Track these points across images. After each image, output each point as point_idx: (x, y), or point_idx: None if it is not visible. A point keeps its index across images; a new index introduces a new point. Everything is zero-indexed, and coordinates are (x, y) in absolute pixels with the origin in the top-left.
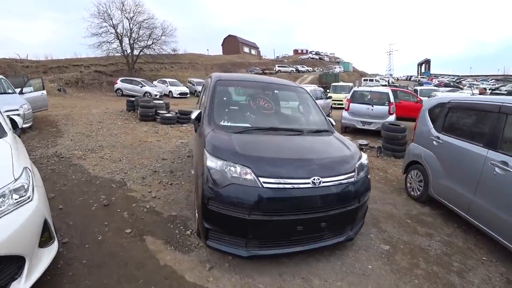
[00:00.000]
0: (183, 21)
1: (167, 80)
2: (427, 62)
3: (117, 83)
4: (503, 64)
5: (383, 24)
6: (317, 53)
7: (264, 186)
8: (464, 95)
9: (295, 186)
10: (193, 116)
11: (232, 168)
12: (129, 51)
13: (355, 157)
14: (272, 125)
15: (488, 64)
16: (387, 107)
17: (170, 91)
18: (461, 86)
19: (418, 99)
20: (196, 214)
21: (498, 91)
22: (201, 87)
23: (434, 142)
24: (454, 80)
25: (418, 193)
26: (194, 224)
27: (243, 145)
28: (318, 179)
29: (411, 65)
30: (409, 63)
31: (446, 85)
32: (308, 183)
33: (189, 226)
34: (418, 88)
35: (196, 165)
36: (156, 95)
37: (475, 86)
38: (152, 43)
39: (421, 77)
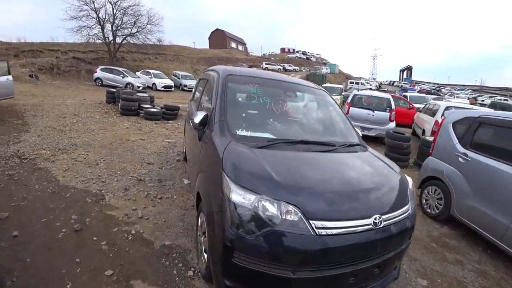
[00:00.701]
0: (169, 11)
1: (151, 71)
2: (409, 69)
3: (96, 71)
4: (479, 76)
5: (369, 29)
6: (304, 53)
7: (318, 232)
8: (492, 110)
9: (356, 229)
10: (197, 119)
11: (271, 206)
12: (111, 38)
13: (405, 182)
14: (301, 137)
15: (465, 75)
16: (388, 113)
17: (154, 83)
18: (441, 94)
19: (411, 105)
20: (204, 254)
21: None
22: (196, 82)
23: (460, 159)
24: (434, 87)
25: (437, 211)
26: (197, 259)
27: (278, 168)
28: (380, 217)
29: (394, 71)
30: (391, 69)
31: (428, 92)
32: (369, 224)
33: (190, 263)
34: (408, 94)
35: (205, 188)
36: (139, 87)
37: (455, 94)
38: (137, 32)
39: (403, 83)
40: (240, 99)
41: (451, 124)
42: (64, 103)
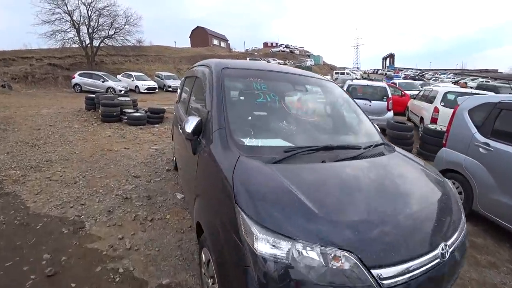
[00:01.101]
0: (147, 11)
1: (133, 74)
2: (391, 56)
3: (74, 77)
4: (459, 59)
5: (350, 18)
6: (287, 46)
7: (383, 284)
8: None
9: (424, 268)
10: (189, 127)
11: (314, 255)
12: (88, 41)
13: (453, 189)
14: (323, 141)
15: (445, 59)
16: (385, 102)
17: (136, 86)
18: (425, 79)
19: (403, 92)
20: None
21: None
22: (181, 81)
23: (481, 150)
24: (417, 73)
25: None
26: None
27: (313, 194)
28: (445, 246)
29: (376, 59)
30: (374, 57)
31: (412, 78)
32: (436, 257)
33: None
34: (397, 81)
35: (208, 222)
36: (121, 91)
37: (439, 79)
38: (114, 33)
39: (387, 71)
40: (242, 98)
41: (466, 112)
42: (39, 113)
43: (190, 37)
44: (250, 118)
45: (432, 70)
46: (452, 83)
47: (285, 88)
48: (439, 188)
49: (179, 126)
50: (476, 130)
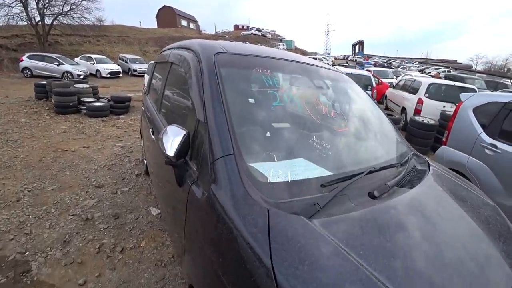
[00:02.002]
0: None
1: (93, 56)
2: (360, 43)
3: (22, 60)
4: (424, 49)
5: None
6: (258, 30)
7: None
8: None
9: None
10: (170, 148)
11: None
12: (38, 19)
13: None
14: (362, 160)
15: (410, 48)
16: (370, 92)
17: (97, 70)
18: (392, 67)
19: (380, 80)
20: None
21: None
22: (150, 66)
23: (487, 151)
24: (385, 61)
25: None
26: None
27: (394, 275)
28: None
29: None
30: (344, 43)
31: (381, 66)
32: None
33: None
34: (371, 69)
35: None
36: (79, 76)
37: (407, 67)
38: (70, 10)
39: (357, 57)
40: (251, 100)
41: (471, 110)
42: None
43: (156, 17)
44: (268, 134)
45: (399, 58)
46: (419, 71)
47: (304, 84)
48: (496, 217)
49: (151, 130)
50: (482, 130)
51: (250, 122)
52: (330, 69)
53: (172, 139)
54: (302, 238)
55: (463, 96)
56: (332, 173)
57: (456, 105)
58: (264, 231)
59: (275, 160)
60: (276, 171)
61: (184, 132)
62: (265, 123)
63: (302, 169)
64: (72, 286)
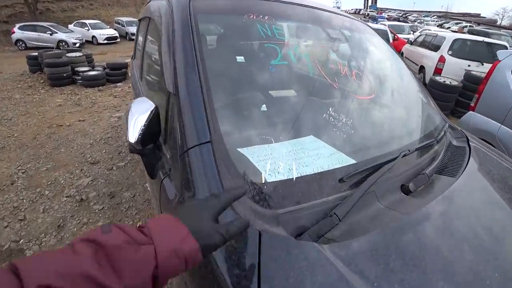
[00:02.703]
0: None
1: (87, 22)
2: None
3: (14, 31)
4: (445, 1)
5: None
6: None
7: None
8: None
9: None
10: (132, 133)
11: None
12: None
13: None
14: (393, 141)
15: (429, 0)
16: None
17: (93, 37)
18: (408, 21)
19: (396, 36)
20: None
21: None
22: (137, 24)
23: None
24: (401, 15)
25: None
26: None
27: None
28: None
29: None
30: None
31: (395, 20)
32: None
33: None
34: (386, 23)
35: None
36: (75, 44)
37: (424, 22)
38: None
39: (370, 11)
40: (240, 58)
41: (510, 71)
42: None
43: None
44: (263, 107)
45: (415, 11)
46: (437, 26)
47: (315, 36)
48: None
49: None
50: None
51: (237, 91)
52: (349, 18)
53: (136, 118)
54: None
55: (501, 54)
56: (354, 161)
57: (482, 64)
58: (253, 274)
59: (273, 144)
60: (275, 164)
61: (151, 108)
62: (259, 91)
63: (313, 155)
64: None
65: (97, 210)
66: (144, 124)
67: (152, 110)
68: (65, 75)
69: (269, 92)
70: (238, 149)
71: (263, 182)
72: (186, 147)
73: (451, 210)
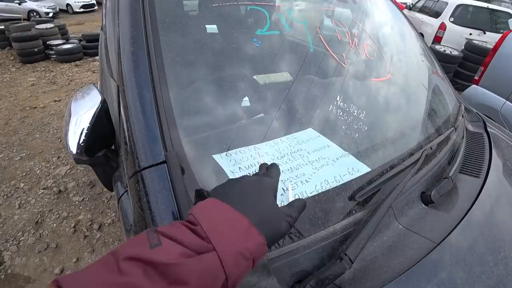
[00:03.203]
0: None
1: None
2: None
3: None
4: None
5: None
6: None
7: None
8: None
9: None
10: (72, 138)
11: None
12: None
13: None
14: (411, 135)
15: None
16: None
17: (68, 5)
18: None
19: (394, 1)
20: None
21: None
22: None
23: None
24: None
25: None
26: None
27: None
28: None
29: None
30: None
31: None
32: None
33: None
34: None
35: None
36: (48, 14)
37: None
38: None
39: None
40: (211, 28)
41: None
42: None
43: None
44: (245, 100)
45: None
46: None
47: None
48: None
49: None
50: None
51: (207, 77)
52: None
53: (77, 118)
54: None
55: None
56: (368, 169)
57: (485, 33)
58: None
59: (262, 145)
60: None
61: (98, 103)
62: (240, 76)
63: (315, 160)
64: (48, 277)
65: (77, 202)
66: (88, 127)
67: (99, 106)
68: (36, 50)
69: (254, 77)
70: (214, 156)
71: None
72: (130, 172)
73: (489, 228)
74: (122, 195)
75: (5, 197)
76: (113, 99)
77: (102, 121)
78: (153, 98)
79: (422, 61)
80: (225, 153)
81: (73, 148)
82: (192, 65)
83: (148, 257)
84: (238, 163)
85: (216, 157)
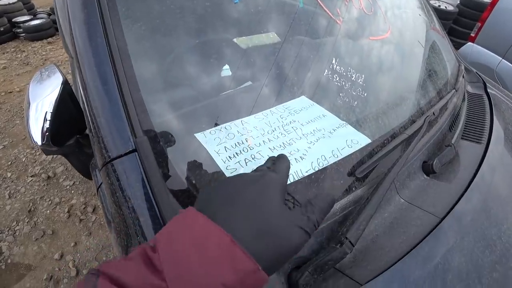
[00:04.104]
0: None
1: None
2: None
3: None
4: None
5: None
6: None
7: None
8: None
9: None
10: (34, 131)
11: None
12: None
13: None
14: (411, 98)
15: None
16: None
17: None
18: None
19: None
20: None
21: None
22: None
23: None
24: None
25: None
26: None
27: None
28: None
29: None
30: None
31: None
32: None
33: None
34: None
35: None
36: None
37: None
38: None
39: None
40: None
41: None
42: None
43: None
44: (225, 68)
45: None
46: None
47: None
48: None
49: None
50: None
51: (179, 47)
52: None
53: (38, 103)
54: None
55: None
56: (369, 140)
57: None
58: None
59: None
60: (254, 162)
61: (59, 84)
62: (218, 41)
63: (309, 132)
64: (49, 263)
65: (68, 187)
66: (51, 113)
67: (61, 88)
68: (2, 29)
69: (234, 40)
70: (196, 135)
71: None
72: (106, 157)
73: (491, 199)
74: (101, 185)
75: None
76: (77, 79)
77: (67, 105)
78: (113, 73)
79: (420, 15)
80: (208, 130)
81: (38, 139)
82: (160, 30)
83: None
84: (223, 141)
85: (199, 136)
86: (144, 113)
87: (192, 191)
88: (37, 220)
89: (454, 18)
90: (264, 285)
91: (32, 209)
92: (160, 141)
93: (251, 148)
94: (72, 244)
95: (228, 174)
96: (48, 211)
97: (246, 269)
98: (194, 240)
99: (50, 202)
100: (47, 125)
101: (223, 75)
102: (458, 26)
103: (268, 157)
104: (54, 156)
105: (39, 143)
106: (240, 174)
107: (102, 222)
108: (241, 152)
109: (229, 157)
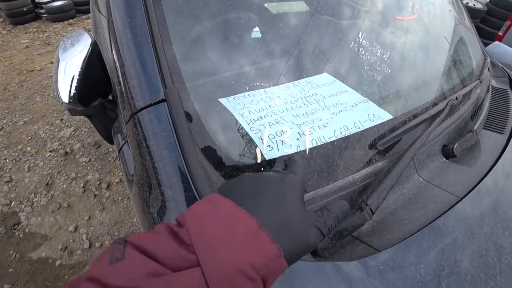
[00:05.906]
0: None
1: None
2: None
3: None
4: None
5: None
6: None
7: None
8: None
9: None
10: (63, 90)
11: None
12: None
13: None
14: (433, 82)
15: None
16: None
17: None
18: None
19: None
20: None
21: None
22: None
23: None
24: None
25: None
26: None
27: None
28: None
29: None
30: None
31: None
32: None
33: None
34: None
35: None
36: None
37: None
38: None
39: None
40: None
41: None
42: None
43: None
44: (255, 31)
45: None
46: None
47: None
48: None
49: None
50: None
51: (212, 7)
52: None
53: (66, 64)
54: None
55: None
56: (390, 116)
57: None
58: None
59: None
60: (276, 126)
61: (88, 45)
62: (249, 4)
63: (332, 105)
64: (64, 234)
65: (84, 163)
66: (79, 72)
67: (89, 49)
68: (25, 9)
69: (265, 5)
70: (220, 100)
71: (259, 160)
72: (134, 108)
73: None
74: (123, 146)
75: (14, 161)
76: (105, 39)
77: (94, 66)
78: (148, 27)
79: (450, 10)
80: (232, 96)
81: (65, 98)
82: None
83: (104, 277)
84: (247, 106)
85: (223, 100)
86: (175, 66)
87: (217, 143)
88: (54, 193)
89: (482, 16)
90: (282, 272)
91: (50, 182)
92: (190, 94)
93: (275, 113)
94: (86, 218)
95: (252, 134)
96: (64, 185)
97: (271, 254)
98: (223, 222)
99: (66, 177)
100: (74, 84)
101: (253, 37)
102: (485, 25)
103: (279, 157)
104: (71, 134)
105: (66, 101)
106: (261, 173)
107: (115, 199)
108: (265, 116)
109: (253, 119)
